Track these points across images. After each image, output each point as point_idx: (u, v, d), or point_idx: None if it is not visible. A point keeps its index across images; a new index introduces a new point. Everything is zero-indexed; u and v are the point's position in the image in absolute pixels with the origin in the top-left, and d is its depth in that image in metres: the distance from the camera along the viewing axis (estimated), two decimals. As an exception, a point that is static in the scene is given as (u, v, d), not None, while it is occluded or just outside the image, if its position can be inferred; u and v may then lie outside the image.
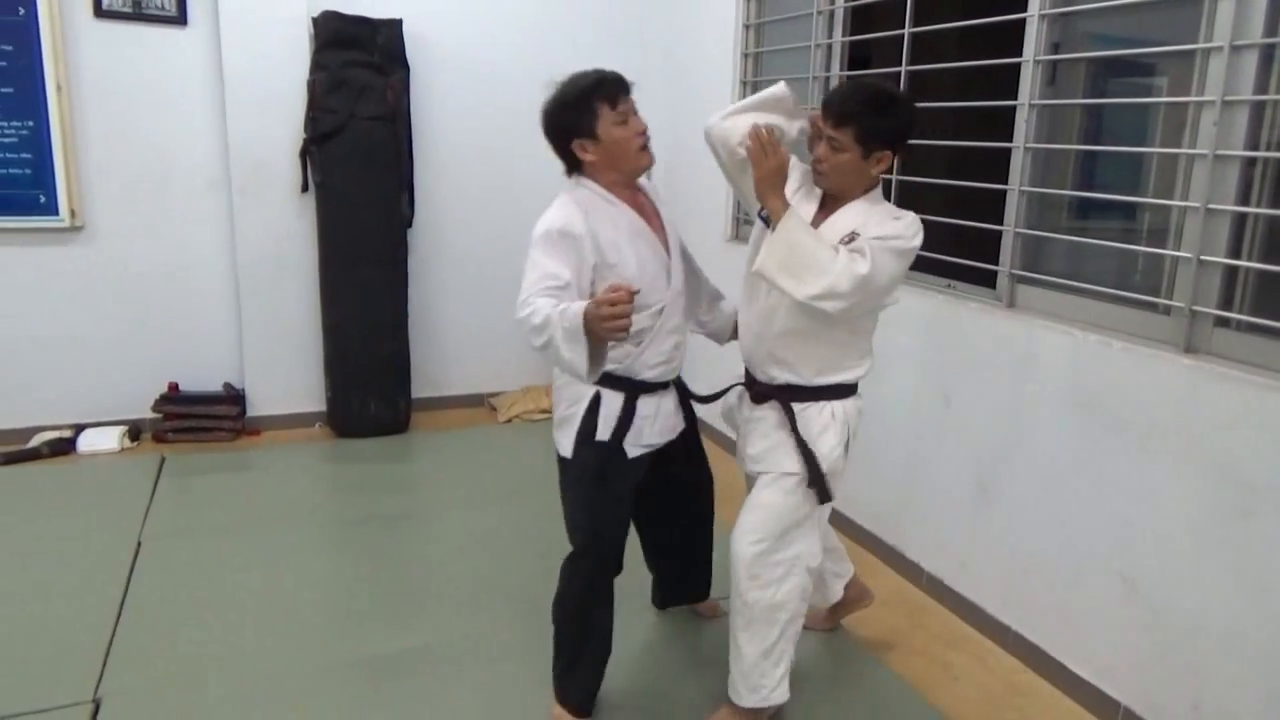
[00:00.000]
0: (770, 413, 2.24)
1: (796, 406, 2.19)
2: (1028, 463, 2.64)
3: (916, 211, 3.13)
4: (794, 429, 2.18)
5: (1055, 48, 2.61)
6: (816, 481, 2.17)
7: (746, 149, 2.10)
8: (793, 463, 2.18)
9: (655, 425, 2.23)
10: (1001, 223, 2.76)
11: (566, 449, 2.23)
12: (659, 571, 2.79)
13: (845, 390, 2.22)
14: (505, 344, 4.94)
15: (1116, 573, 2.37)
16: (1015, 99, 2.68)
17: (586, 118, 2.13)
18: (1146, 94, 2.62)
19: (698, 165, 4.56)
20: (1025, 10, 2.63)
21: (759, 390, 2.27)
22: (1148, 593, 2.29)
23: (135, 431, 4.26)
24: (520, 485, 3.90)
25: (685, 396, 2.39)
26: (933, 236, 3.11)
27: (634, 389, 2.19)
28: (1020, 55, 2.65)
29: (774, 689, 2.25)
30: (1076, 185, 2.68)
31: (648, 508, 2.51)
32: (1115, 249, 2.56)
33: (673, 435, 2.31)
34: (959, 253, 2.97)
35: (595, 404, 2.17)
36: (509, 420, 4.71)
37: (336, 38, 4.13)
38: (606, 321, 1.82)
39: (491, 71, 4.63)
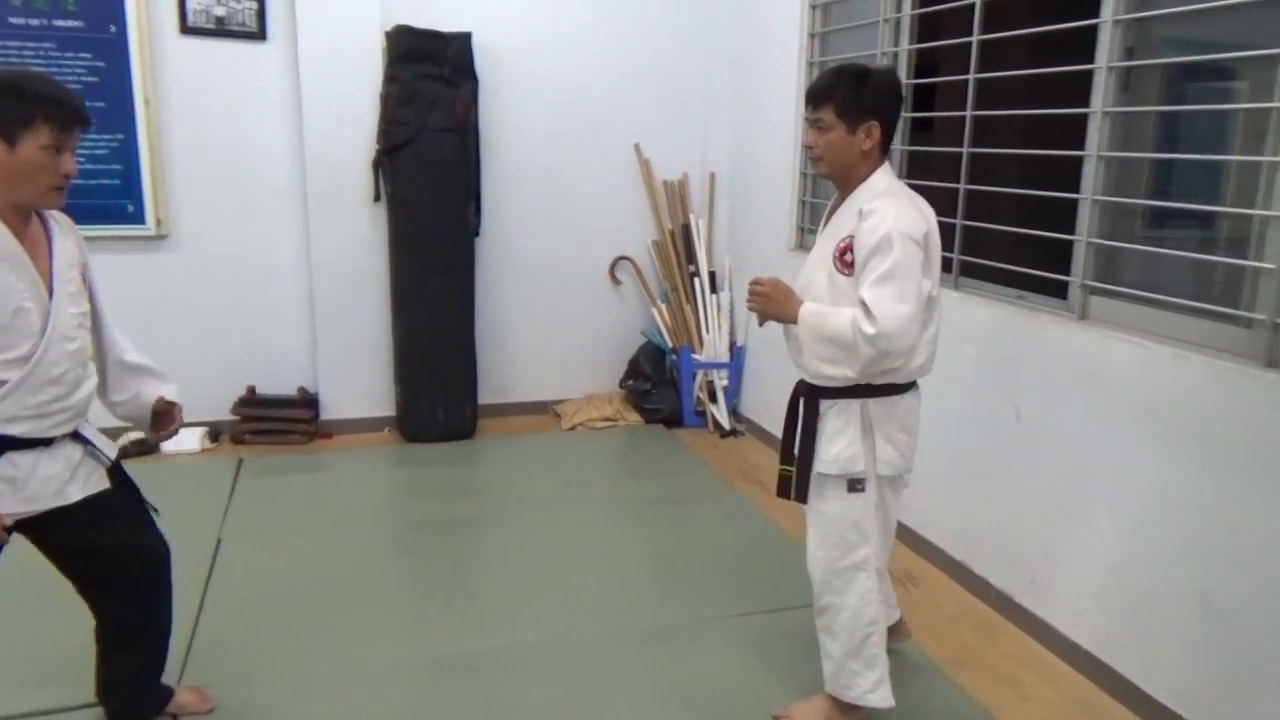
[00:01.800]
0: (804, 409, 2.26)
1: (822, 404, 2.19)
2: (1101, 478, 2.58)
3: (986, 221, 3.10)
4: (810, 426, 2.20)
5: (1129, 53, 2.55)
6: (800, 481, 2.22)
7: (749, 307, 2.25)
8: (824, 465, 2.19)
9: (23, 490, 1.86)
10: (1073, 232, 2.71)
11: None
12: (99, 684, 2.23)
13: (871, 390, 2.16)
14: (569, 352, 5.00)
15: (1194, 592, 2.30)
16: (1087, 106, 2.63)
17: (15, 122, 1.74)
18: (1225, 100, 2.55)
19: (761, 173, 4.56)
20: (1098, 15, 2.58)
21: (800, 386, 2.28)
22: (1226, 613, 2.22)
23: (215, 433, 4.41)
24: (583, 492, 3.94)
25: (116, 461, 2.07)
26: (1002, 246, 3.09)
27: None
28: (1093, 62, 2.60)
29: (870, 690, 2.25)
30: (1151, 194, 2.62)
31: (86, 593, 2.12)
32: (1192, 259, 2.49)
33: (54, 503, 1.91)
34: (1028, 262, 2.92)
35: None
36: (573, 428, 4.76)
37: (409, 51, 4.24)
38: None
39: (558, 81, 4.69)
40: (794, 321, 2.13)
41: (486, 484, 4.15)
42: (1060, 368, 2.71)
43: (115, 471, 2.07)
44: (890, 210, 2.03)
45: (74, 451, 1.96)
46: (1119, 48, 2.54)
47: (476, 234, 4.55)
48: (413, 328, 4.43)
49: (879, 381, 2.14)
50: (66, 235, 1.97)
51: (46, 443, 1.89)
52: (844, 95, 2.06)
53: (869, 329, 1.99)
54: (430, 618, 2.88)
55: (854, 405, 2.15)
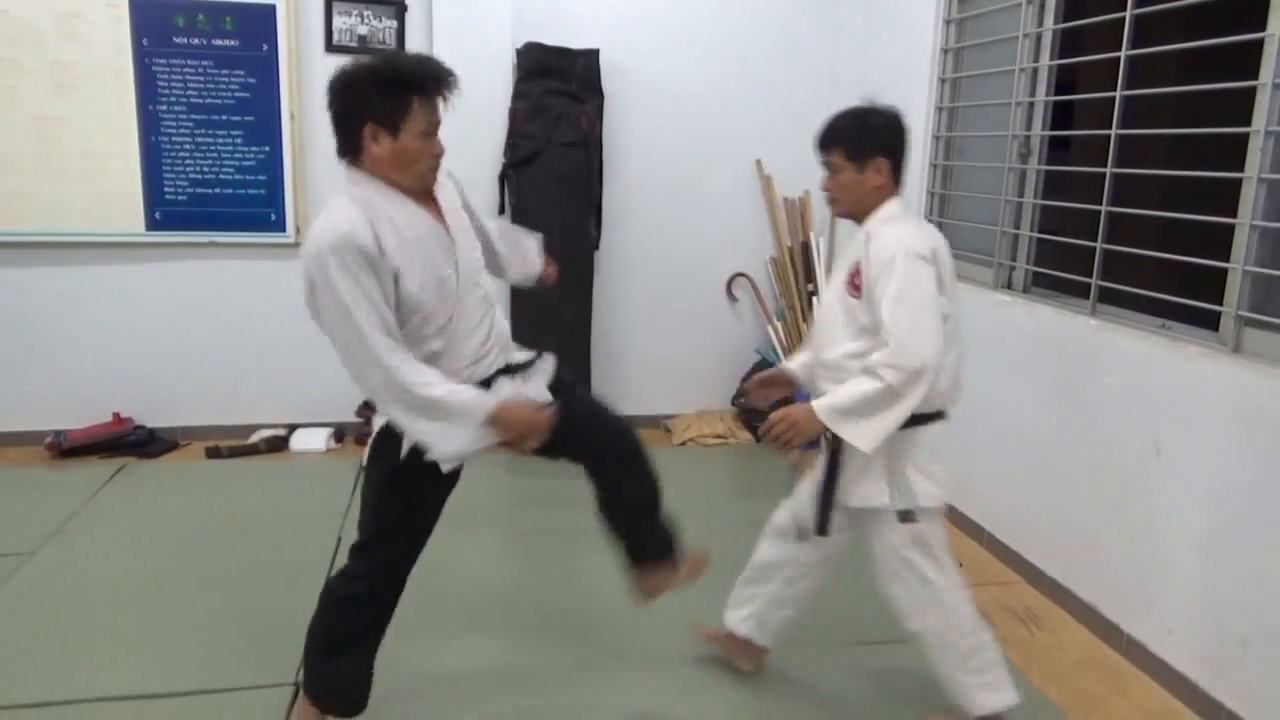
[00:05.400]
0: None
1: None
2: (1254, 523, 2.39)
3: (1127, 245, 2.94)
4: (833, 462, 2.17)
5: (1299, 69, 2.38)
6: (822, 515, 2.21)
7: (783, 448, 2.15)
8: (883, 497, 2.14)
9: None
10: (1226, 259, 2.53)
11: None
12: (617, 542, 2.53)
13: None
14: (683, 367, 4.99)
15: (1357, 655, 2.11)
16: (1245, 125, 2.45)
17: (395, 107, 1.83)
18: None
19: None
20: (1264, 29, 2.41)
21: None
22: (1396, 681, 2.02)
23: (339, 433, 4.59)
24: (688, 509, 3.85)
25: (557, 378, 2.30)
26: (1145, 272, 2.92)
27: None
28: (1255, 79, 2.43)
29: (987, 693, 2.22)
30: (1320, 220, 2.43)
31: (585, 464, 2.41)
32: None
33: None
34: (1169, 289, 2.75)
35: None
36: (683, 443, 4.74)
37: (538, 68, 4.33)
38: (522, 436, 1.95)
39: (681, 96, 4.70)
40: (825, 425, 2.06)
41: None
42: (1208, 403, 2.54)
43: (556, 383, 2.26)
44: (894, 232, 2.07)
45: (517, 379, 2.16)
46: (1287, 63, 2.37)
47: (596, 247, 4.60)
48: (529, 337, 4.45)
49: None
50: (447, 179, 2.09)
51: (486, 385, 2.07)
52: (850, 137, 2.13)
53: (889, 358, 1.97)
54: (528, 627, 2.91)
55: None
